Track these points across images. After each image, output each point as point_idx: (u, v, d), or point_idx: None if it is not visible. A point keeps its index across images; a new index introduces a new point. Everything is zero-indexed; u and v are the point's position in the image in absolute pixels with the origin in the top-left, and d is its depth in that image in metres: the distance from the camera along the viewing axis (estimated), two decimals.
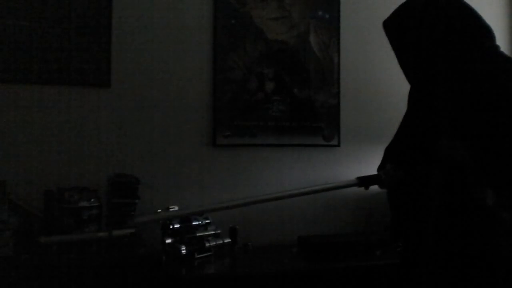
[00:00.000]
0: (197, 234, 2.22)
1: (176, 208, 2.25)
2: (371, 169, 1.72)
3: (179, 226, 2.19)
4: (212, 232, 2.28)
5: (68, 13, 2.34)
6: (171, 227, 2.17)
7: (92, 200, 2.16)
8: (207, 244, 2.21)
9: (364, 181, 1.57)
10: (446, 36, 1.50)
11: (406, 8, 1.56)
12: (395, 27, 1.59)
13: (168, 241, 2.15)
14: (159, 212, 2.14)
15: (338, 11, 2.80)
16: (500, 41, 1.59)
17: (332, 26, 2.79)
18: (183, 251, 2.12)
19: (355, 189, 2.81)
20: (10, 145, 2.25)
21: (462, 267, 1.47)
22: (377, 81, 2.84)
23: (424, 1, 1.52)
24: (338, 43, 2.80)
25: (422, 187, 1.53)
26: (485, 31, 1.53)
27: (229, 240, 2.30)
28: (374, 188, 1.75)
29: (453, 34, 1.50)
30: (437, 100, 1.57)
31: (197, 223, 2.25)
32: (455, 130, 1.50)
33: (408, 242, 1.68)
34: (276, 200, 1.66)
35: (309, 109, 2.73)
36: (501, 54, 1.54)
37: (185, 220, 2.23)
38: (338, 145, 2.78)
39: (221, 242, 2.27)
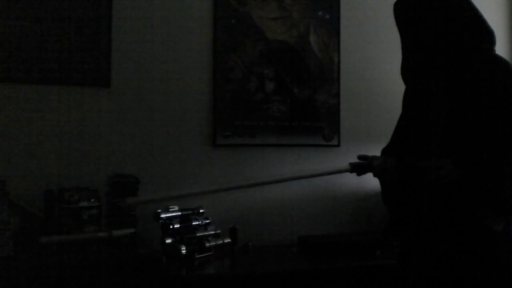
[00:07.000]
0: (197, 234, 2.21)
1: (176, 208, 2.25)
2: None
3: (179, 226, 2.19)
4: (212, 232, 2.27)
5: (68, 13, 2.33)
6: (171, 227, 2.17)
7: (92, 200, 2.17)
8: (207, 244, 2.21)
9: (356, 167, 1.59)
10: (447, 33, 1.50)
11: None
12: (403, 14, 1.58)
13: (168, 241, 2.15)
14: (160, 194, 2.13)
15: (338, 11, 2.80)
16: (500, 41, 1.59)
17: (332, 26, 2.79)
18: (183, 251, 2.12)
19: (355, 189, 2.80)
20: (10, 145, 2.24)
21: (457, 266, 1.47)
22: (377, 81, 2.84)
23: None
24: (338, 43, 2.80)
25: (415, 185, 1.54)
26: (487, 35, 1.53)
27: (229, 240, 2.30)
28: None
29: (454, 32, 1.50)
30: (433, 97, 1.57)
31: (197, 223, 2.25)
32: (449, 131, 1.50)
33: (405, 240, 1.68)
34: (268, 184, 1.76)
35: (309, 109, 2.73)
36: (497, 58, 1.53)
37: (185, 220, 2.23)
38: (338, 145, 2.78)
39: (221, 242, 2.27)
